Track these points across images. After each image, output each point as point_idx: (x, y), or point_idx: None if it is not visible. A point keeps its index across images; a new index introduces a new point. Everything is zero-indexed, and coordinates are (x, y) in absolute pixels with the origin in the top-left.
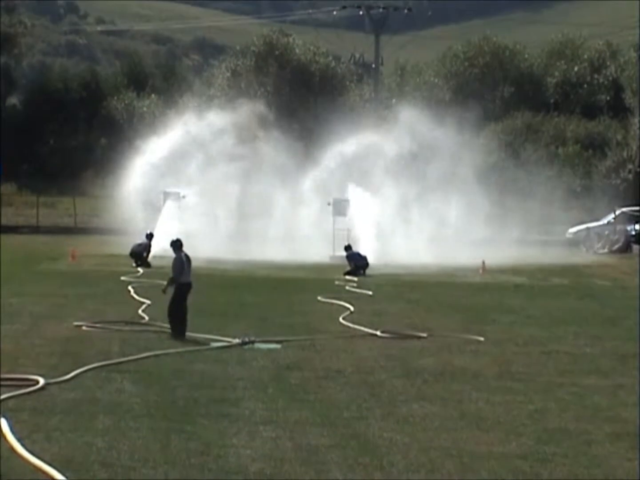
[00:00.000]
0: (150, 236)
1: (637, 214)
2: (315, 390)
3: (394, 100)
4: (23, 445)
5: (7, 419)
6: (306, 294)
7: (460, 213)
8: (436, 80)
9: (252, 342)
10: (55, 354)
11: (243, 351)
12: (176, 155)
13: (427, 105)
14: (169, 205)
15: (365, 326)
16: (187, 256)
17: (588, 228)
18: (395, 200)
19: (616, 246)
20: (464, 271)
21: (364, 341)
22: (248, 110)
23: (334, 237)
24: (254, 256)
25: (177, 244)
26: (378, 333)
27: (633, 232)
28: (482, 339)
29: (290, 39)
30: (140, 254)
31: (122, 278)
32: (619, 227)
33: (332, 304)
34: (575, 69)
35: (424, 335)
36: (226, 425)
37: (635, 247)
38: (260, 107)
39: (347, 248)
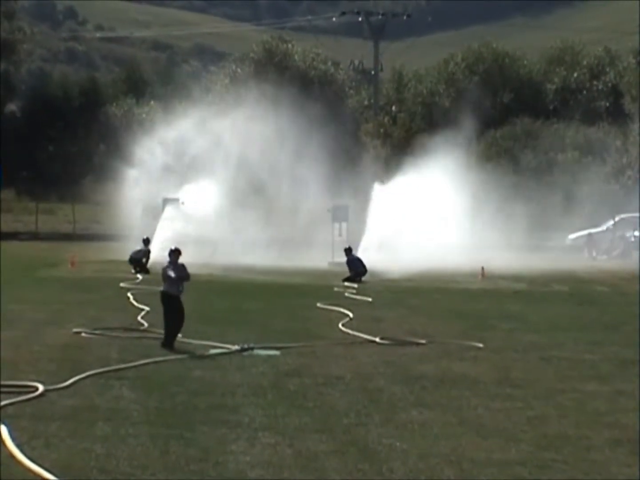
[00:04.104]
0: (146, 241)
1: (637, 220)
2: (314, 396)
3: (393, 107)
4: (22, 451)
5: (6, 425)
6: (305, 300)
7: (460, 219)
8: (436, 87)
9: (251, 349)
10: (54, 360)
11: (242, 358)
12: (175, 162)
13: (426, 111)
14: (168, 212)
15: (364, 333)
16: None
17: (589, 234)
18: (394, 205)
19: (615, 252)
20: (463, 277)
21: (363, 348)
22: (247, 116)
23: (333, 243)
24: (252, 262)
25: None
26: (377, 339)
27: (632, 239)
28: (481, 345)
29: (290, 46)
30: (139, 260)
31: (122, 284)
32: (618, 233)
33: (332, 310)
34: (575, 75)
35: (424, 341)
36: (225, 432)
37: (634, 253)
38: (259, 113)
39: (348, 251)
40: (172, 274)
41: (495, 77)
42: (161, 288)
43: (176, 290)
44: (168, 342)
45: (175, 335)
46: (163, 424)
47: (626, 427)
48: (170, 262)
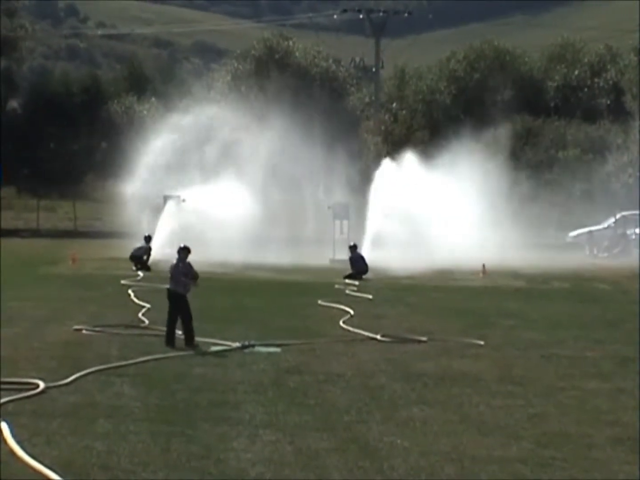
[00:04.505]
0: (148, 239)
1: (638, 217)
2: (315, 394)
3: (394, 104)
4: (23, 448)
5: (7, 422)
6: (306, 297)
7: (461, 216)
8: (437, 84)
9: (252, 346)
10: (55, 357)
11: (243, 355)
12: (176, 159)
13: (427, 109)
14: (169, 209)
15: (365, 330)
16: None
17: (590, 232)
18: (394, 204)
19: (616, 250)
20: (464, 275)
21: (364, 345)
22: (248, 113)
23: (334, 241)
24: (254, 259)
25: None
26: (378, 337)
27: (633, 236)
28: (482, 342)
29: (291, 43)
30: (139, 257)
31: (122, 282)
32: (619, 230)
33: (333, 307)
34: (576, 72)
35: (424, 339)
36: (226, 429)
37: (635, 250)
38: (260, 110)
39: (353, 248)
40: (184, 278)
41: (496, 74)
42: (167, 286)
43: (182, 289)
44: (188, 341)
45: (192, 332)
46: (164, 421)
47: (627, 425)
48: (179, 260)
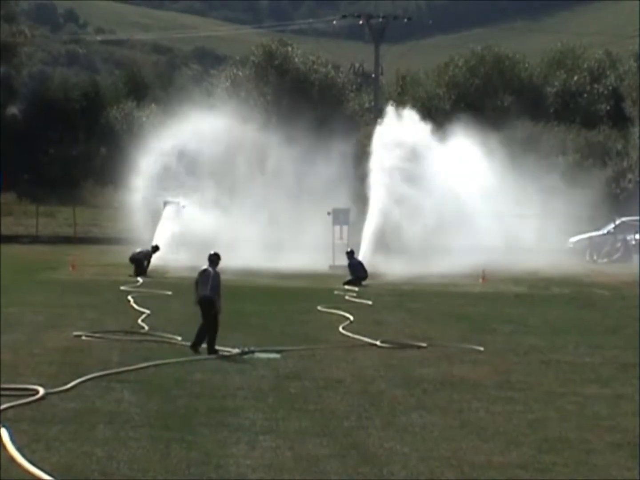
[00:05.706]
0: (155, 248)
1: (638, 223)
2: (315, 399)
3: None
4: (23, 454)
5: (7, 428)
6: (306, 303)
7: (460, 222)
8: (436, 90)
9: (252, 352)
10: (55, 363)
11: (243, 361)
12: (176, 165)
13: (426, 114)
14: (169, 215)
15: (365, 336)
16: (203, 270)
17: (590, 237)
18: (390, 207)
19: (616, 256)
20: (464, 280)
21: (363, 351)
22: (247, 119)
23: (334, 247)
24: (253, 265)
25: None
26: (378, 343)
27: (633, 242)
28: (482, 348)
29: (290, 49)
30: (140, 260)
31: (122, 288)
32: (619, 236)
33: (332, 313)
34: (575, 78)
35: (424, 345)
36: (226, 435)
37: (635, 256)
38: (260, 116)
39: (350, 254)
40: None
41: (495, 80)
42: (202, 293)
43: (214, 295)
44: (210, 349)
45: (215, 340)
46: (164, 427)
47: (627, 430)
48: (213, 267)
